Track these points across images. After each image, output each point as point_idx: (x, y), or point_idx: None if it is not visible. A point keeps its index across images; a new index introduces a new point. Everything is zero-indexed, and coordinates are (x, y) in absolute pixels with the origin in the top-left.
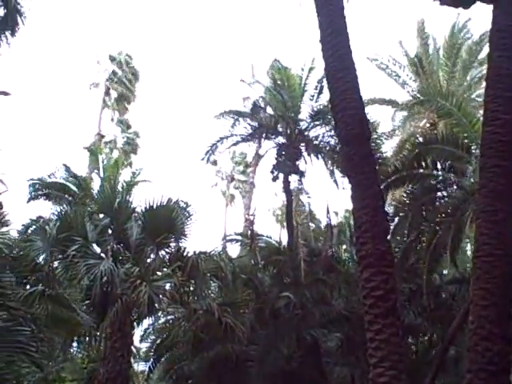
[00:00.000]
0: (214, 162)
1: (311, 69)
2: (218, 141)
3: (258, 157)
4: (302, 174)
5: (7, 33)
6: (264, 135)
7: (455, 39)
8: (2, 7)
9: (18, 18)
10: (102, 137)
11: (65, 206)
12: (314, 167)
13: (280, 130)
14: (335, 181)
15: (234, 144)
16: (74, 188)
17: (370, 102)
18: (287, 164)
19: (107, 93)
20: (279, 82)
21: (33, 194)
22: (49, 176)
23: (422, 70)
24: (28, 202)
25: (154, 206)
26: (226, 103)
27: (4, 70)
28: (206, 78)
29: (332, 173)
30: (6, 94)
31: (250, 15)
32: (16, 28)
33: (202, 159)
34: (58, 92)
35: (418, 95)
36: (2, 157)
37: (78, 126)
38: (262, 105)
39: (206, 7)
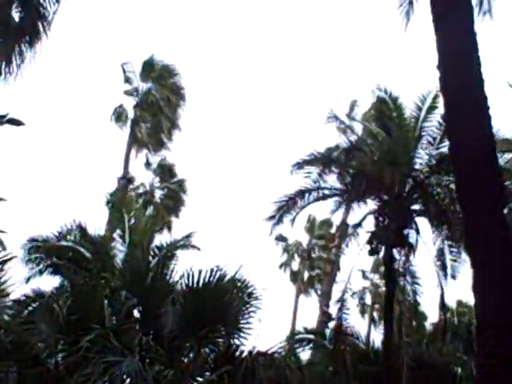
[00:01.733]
0: (281, 238)
1: (433, 107)
2: (291, 199)
3: (345, 226)
4: (410, 248)
5: (24, 44)
6: (362, 190)
7: None
8: (19, 10)
9: (40, 24)
10: (129, 182)
11: (78, 278)
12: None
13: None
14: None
15: (316, 200)
16: (88, 255)
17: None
18: (392, 231)
19: (137, 121)
20: (386, 121)
21: (31, 261)
22: (57, 237)
23: None
24: (27, 280)
25: (200, 285)
26: (300, 152)
27: (17, 91)
28: (272, 118)
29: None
30: (19, 123)
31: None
32: (37, 38)
33: (271, 232)
34: (77, 118)
35: None
36: (5, 209)
37: (98, 165)
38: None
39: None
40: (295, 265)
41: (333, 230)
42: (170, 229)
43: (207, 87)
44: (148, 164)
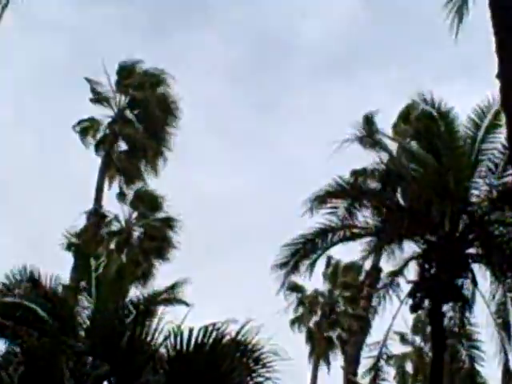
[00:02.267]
0: (295, 288)
1: (495, 126)
2: (309, 240)
3: (376, 271)
4: (465, 302)
5: None
6: (403, 228)
7: None
8: None
9: None
10: (102, 219)
11: (31, 342)
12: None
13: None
14: None
15: (341, 241)
16: (43, 313)
17: None
18: (441, 281)
19: (112, 141)
20: (433, 141)
21: None
22: (1, 291)
23: None
24: None
25: (191, 348)
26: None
27: None
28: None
29: None
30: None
31: None
32: None
33: (283, 282)
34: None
35: None
36: None
37: (60, 194)
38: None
39: None
40: (313, 321)
41: (361, 277)
42: (147, 278)
43: (205, 98)
44: (122, 194)
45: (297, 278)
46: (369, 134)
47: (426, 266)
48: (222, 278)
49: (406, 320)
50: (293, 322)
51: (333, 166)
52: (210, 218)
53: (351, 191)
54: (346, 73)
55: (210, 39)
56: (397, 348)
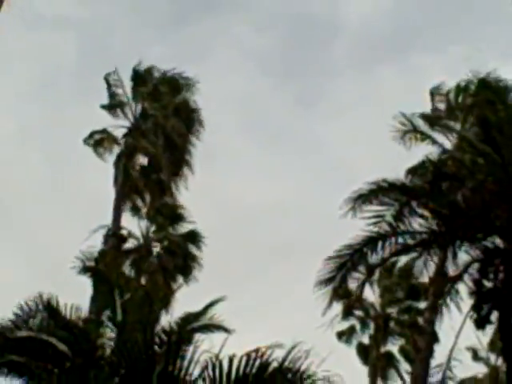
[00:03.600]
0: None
1: None
2: (356, 251)
3: (443, 277)
4: None
5: None
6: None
7: None
8: None
9: None
10: (122, 241)
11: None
12: None
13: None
14: None
15: (395, 254)
16: (63, 347)
17: None
18: (510, 291)
19: (129, 156)
20: (493, 133)
21: None
22: (15, 323)
23: None
24: None
25: (232, 378)
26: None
27: None
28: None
29: None
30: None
31: None
32: None
33: (329, 303)
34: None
35: None
36: None
37: (74, 212)
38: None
39: None
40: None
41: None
42: (168, 302)
43: (236, 94)
44: (136, 209)
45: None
46: (414, 127)
47: (490, 275)
48: (264, 299)
49: (477, 335)
50: (340, 336)
51: (386, 164)
52: (247, 231)
53: (401, 190)
54: (398, 56)
55: (239, 26)
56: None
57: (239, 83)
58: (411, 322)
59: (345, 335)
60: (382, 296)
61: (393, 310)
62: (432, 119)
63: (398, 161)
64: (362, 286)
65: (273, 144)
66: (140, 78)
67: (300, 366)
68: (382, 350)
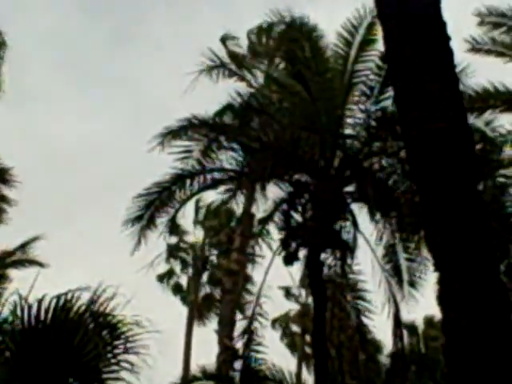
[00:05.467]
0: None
1: (368, 41)
2: (165, 189)
3: (250, 218)
4: (346, 248)
5: None
6: (268, 169)
7: None
8: None
9: None
10: None
11: None
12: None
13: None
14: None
15: (202, 189)
16: None
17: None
18: (317, 226)
19: None
20: (299, 66)
21: None
22: None
23: None
24: None
25: (40, 322)
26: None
27: None
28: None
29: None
30: None
31: None
32: None
33: (138, 239)
34: None
35: None
36: None
37: None
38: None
39: None
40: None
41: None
42: None
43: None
44: None
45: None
46: (222, 63)
47: (299, 210)
48: (86, 240)
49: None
50: (161, 278)
51: (199, 102)
52: (67, 172)
53: (208, 127)
54: None
55: None
56: (284, 304)
57: (54, 20)
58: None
59: (165, 278)
60: (206, 238)
61: (213, 253)
62: (238, 58)
63: (212, 99)
64: (170, 222)
65: (89, 83)
66: None
67: (111, 306)
68: (203, 292)
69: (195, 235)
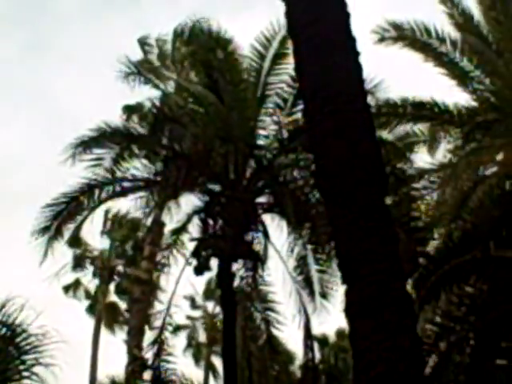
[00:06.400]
0: (73, 242)
1: (282, 54)
2: (73, 199)
3: (160, 227)
4: (257, 259)
5: None
6: (181, 179)
7: None
8: None
9: None
10: None
11: None
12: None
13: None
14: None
15: (111, 197)
16: None
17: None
18: (228, 236)
19: None
20: (213, 76)
21: None
22: None
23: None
24: None
25: None
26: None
27: None
28: None
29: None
30: None
31: None
32: None
33: (45, 251)
34: None
35: None
36: None
37: None
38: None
39: None
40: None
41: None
42: None
43: None
44: None
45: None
46: (138, 71)
47: (210, 221)
48: None
49: (194, 283)
50: (67, 288)
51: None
52: None
53: (120, 137)
54: (129, 6)
55: None
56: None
57: None
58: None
59: (71, 289)
60: (112, 248)
61: (120, 262)
62: (151, 65)
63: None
64: (76, 232)
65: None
66: None
67: (14, 319)
68: (108, 301)
69: (102, 245)
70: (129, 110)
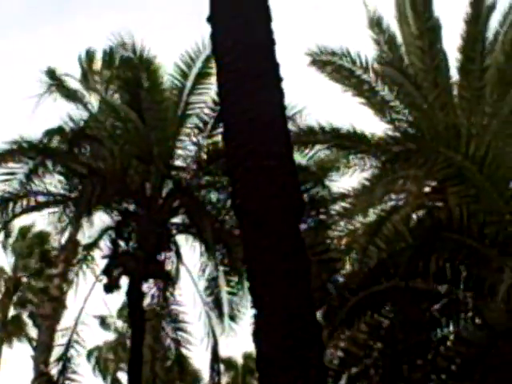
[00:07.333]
0: None
1: (205, 74)
2: None
3: (73, 244)
4: (169, 279)
5: None
6: (95, 196)
7: None
8: None
9: None
10: None
11: None
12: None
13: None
14: None
15: (24, 211)
16: None
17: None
18: (140, 255)
19: None
20: (136, 94)
21: None
22: None
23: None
24: None
25: None
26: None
27: None
28: None
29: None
30: None
31: None
32: None
33: None
34: None
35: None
36: None
37: None
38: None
39: None
40: None
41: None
42: None
43: None
44: None
45: None
46: (62, 85)
47: (123, 240)
48: None
49: (106, 302)
50: None
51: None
52: None
53: (37, 150)
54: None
55: None
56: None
57: None
58: (43, 288)
59: None
60: (16, 260)
61: (25, 275)
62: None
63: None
64: None
65: None
66: None
67: None
68: (11, 314)
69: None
70: (51, 133)
